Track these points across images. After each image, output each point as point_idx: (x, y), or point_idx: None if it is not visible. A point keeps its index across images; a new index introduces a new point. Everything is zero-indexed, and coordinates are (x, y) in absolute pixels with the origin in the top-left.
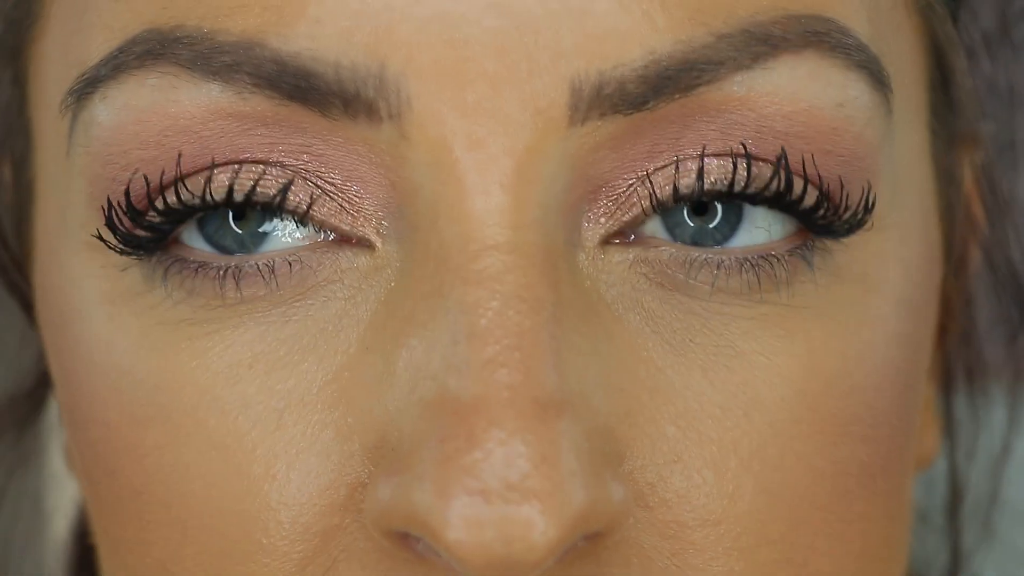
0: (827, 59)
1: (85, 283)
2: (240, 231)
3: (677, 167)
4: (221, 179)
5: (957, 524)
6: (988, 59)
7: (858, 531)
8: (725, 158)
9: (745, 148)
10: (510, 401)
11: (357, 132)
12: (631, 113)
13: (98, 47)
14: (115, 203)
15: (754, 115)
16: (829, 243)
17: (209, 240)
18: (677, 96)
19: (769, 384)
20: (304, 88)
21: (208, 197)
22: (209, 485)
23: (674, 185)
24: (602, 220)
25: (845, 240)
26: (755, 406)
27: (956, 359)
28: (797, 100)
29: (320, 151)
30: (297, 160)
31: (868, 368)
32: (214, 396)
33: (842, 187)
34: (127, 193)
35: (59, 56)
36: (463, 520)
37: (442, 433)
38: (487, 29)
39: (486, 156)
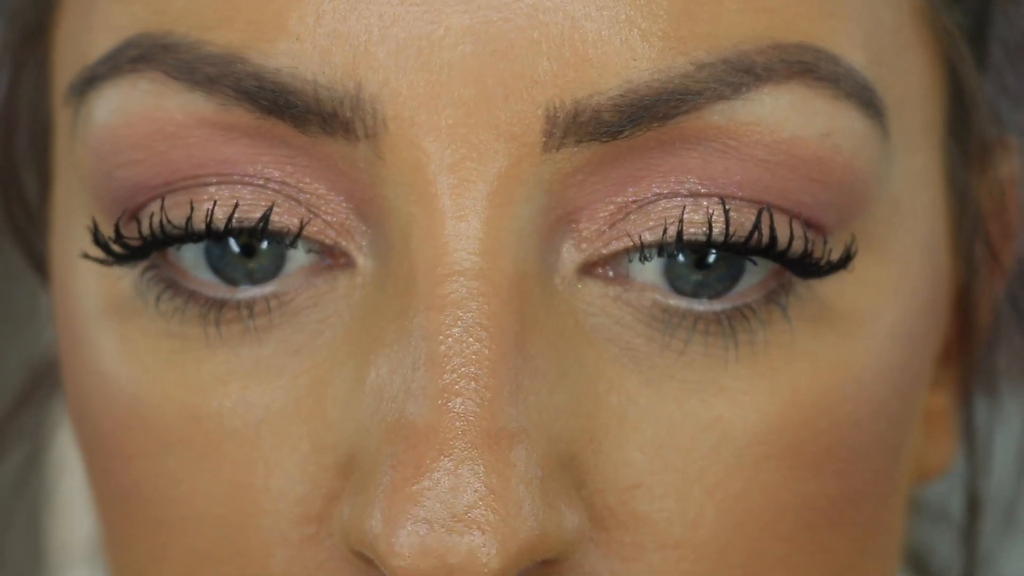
0: (813, 89)
1: (82, 277)
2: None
3: (663, 230)
4: (201, 211)
5: (975, 530)
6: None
7: (820, 562)
8: (701, 219)
9: (723, 203)
10: (461, 431)
11: (336, 148)
12: (607, 140)
13: (99, 45)
14: (100, 224)
15: (735, 143)
16: (813, 283)
17: (212, 267)
18: (655, 125)
19: (744, 420)
20: (283, 105)
21: (191, 227)
22: (192, 491)
23: (654, 238)
24: (583, 246)
25: (829, 278)
26: (726, 440)
27: (979, 363)
28: (779, 130)
29: (304, 163)
30: (282, 171)
31: (851, 404)
32: (192, 409)
33: (824, 232)
34: (115, 202)
35: (70, 46)
36: (407, 548)
37: (394, 459)
38: (463, 55)
39: (459, 180)
